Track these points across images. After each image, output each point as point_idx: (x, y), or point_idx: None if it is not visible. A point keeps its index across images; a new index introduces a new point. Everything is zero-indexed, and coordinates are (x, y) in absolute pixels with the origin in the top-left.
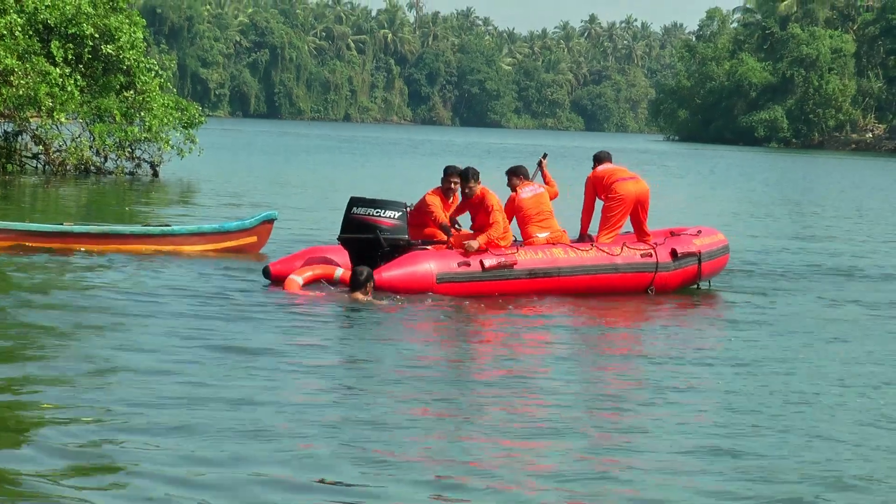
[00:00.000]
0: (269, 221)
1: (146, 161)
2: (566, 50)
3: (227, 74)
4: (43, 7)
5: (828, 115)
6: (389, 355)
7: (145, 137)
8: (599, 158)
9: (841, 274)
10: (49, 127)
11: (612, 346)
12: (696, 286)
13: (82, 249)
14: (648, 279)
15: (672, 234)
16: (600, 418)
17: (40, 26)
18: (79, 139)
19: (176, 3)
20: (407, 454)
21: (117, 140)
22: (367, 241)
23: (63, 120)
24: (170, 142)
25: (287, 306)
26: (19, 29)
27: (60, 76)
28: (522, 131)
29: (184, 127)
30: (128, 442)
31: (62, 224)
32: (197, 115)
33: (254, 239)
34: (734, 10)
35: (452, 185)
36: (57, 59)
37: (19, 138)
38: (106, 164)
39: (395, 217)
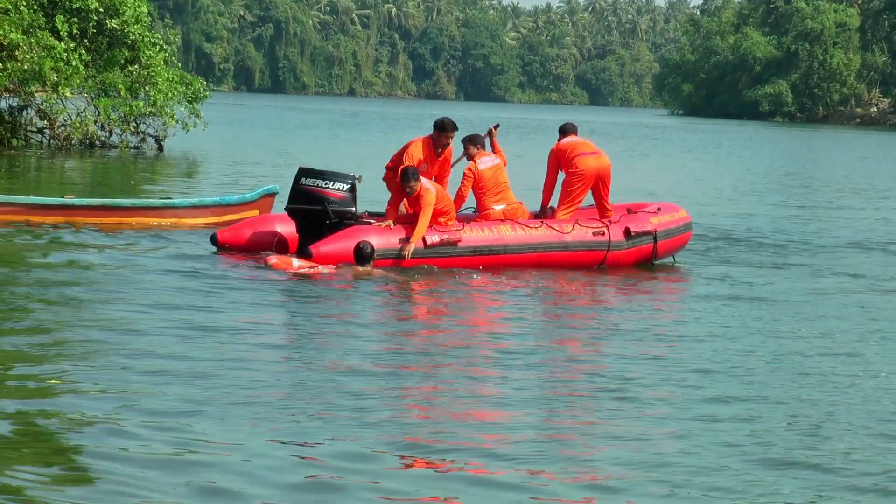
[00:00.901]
0: (271, 195)
1: (151, 136)
2: (570, 24)
3: (231, 49)
4: None
5: (832, 90)
6: (351, 331)
7: (150, 112)
8: (564, 130)
9: (830, 248)
10: (54, 101)
11: (579, 322)
12: (651, 263)
13: (83, 222)
14: (600, 258)
15: (629, 211)
16: (565, 392)
17: (45, 1)
18: (84, 114)
19: None
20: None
21: (122, 114)
22: (314, 212)
23: (68, 94)
24: (174, 116)
25: (264, 280)
26: (24, 3)
27: (65, 51)
28: (527, 106)
29: (188, 101)
30: (127, 419)
31: (63, 197)
32: (201, 89)
33: (255, 212)
34: None
35: (444, 141)
36: (62, 33)
37: (24, 113)
38: (111, 139)
39: (344, 189)
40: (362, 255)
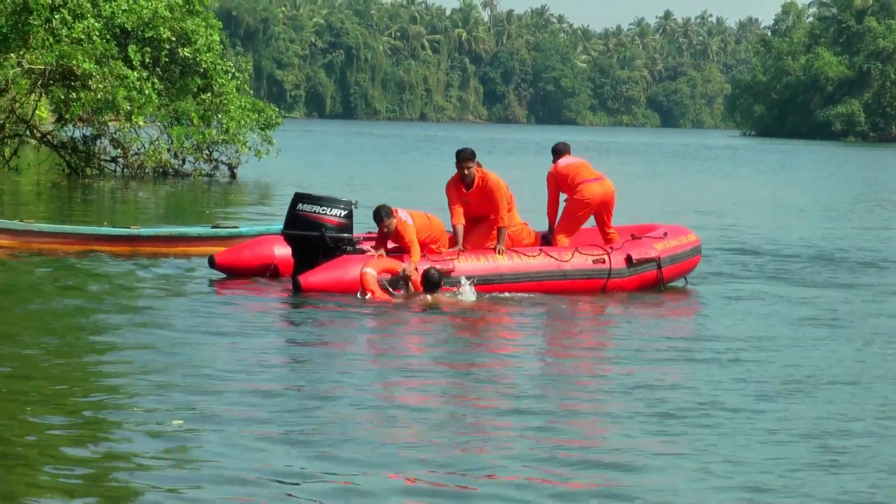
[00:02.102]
0: None
1: (224, 163)
2: (641, 46)
3: (302, 76)
4: (120, 11)
5: None
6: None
7: (223, 139)
8: (559, 151)
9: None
10: (127, 130)
11: (597, 343)
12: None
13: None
14: (600, 286)
15: (633, 236)
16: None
17: (117, 30)
18: (157, 142)
19: (251, 6)
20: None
21: (195, 142)
22: (310, 238)
23: (141, 123)
24: (247, 143)
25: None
26: (97, 33)
27: (138, 80)
28: (598, 128)
29: (261, 128)
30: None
31: (129, 228)
32: (274, 116)
33: None
34: (809, 4)
35: (466, 171)
36: (134, 62)
37: (98, 142)
38: (184, 167)
39: (341, 216)
40: (431, 281)
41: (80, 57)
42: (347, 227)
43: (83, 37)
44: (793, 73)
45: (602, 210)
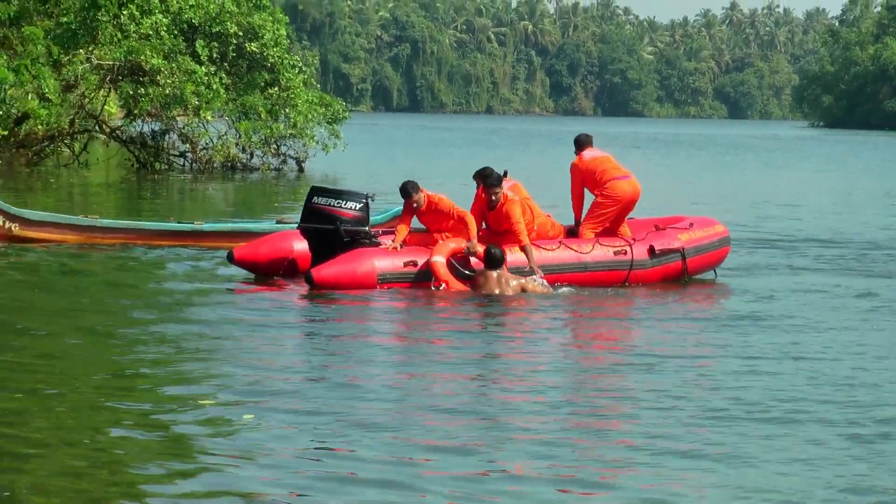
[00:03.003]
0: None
1: (291, 157)
2: (708, 37)
3: (368, 69)
4: (187, 7)
5: None
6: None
7: (290, 134)
8: (581, 143)
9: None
10: (195, 125)
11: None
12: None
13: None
14: (622, 277)
15: (657, 227)
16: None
17: (185, 25)
18: (225, 137)
19: (317, 0)
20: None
21: (263, 137)
22: (325, 231)
23: (209, 118)
24: (314, 137)
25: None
26: (164, 29)
27: (206, 74)
28: (665, 120)
29: (328, 122)
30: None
31: (193, 223)
32: (341, 110)
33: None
34: None
35: (493, 198)
36: (202, 57)
37: (166, 137)
38: (252, 161)
39: (356, 208)
40: (493, 259)
41: (148, 52)
42: (363, 220)
43: (151, 32)
44: (861, 64)
45: (627, 207)
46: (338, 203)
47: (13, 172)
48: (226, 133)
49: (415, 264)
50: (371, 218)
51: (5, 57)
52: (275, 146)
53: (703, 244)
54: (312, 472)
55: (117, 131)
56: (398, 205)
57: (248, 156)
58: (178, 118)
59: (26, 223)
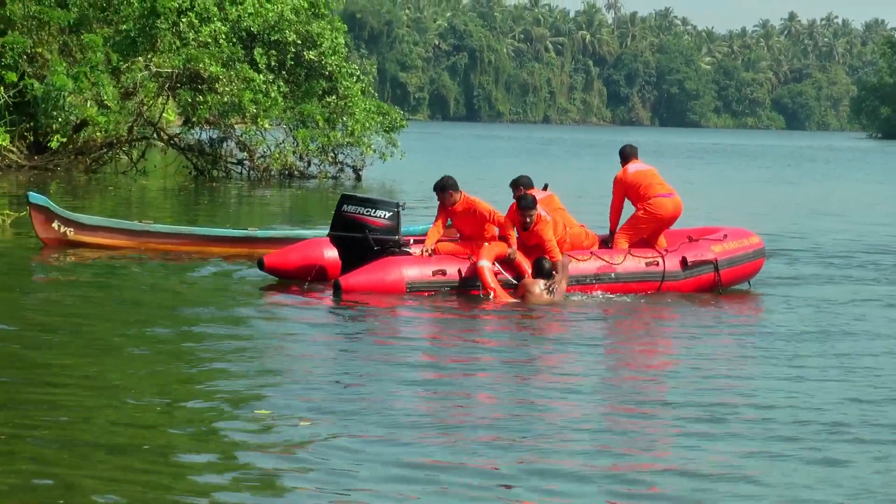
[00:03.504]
0: None
1: (349, 165)
2: (766, 48)
3: (426, 78)
4: (246, 15)
5: None
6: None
7: (348, 142)
8: (626, 155)
9: None
10: (253, 133)
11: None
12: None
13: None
14: (653, 288)
15: (690, 238)
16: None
17: (244, 34)
18: (282, 145)
19: (376, 9)
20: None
21: (320, 145)
22: (355, 239)
23: (267, 126)
24: (372, 146)
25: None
26: (223, 37)
27: (264, 82)
28: (723, 131)
29: (385, 131)
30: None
31: (247, 229)
32: (398, 119)
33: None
34: None
35: (527, 220)
36: (260, 65)
37: (224, 144)
38: (309, 169)
39: (386, 217)
40: (542, 270)
41: (206, 60)
42: (393, 229)
43: (210, 40)
44: None
45: (667, 225)
46: (367, 211)
47: (72, 179)
48: (283, 141)
49: (444, 273)
50: (413, 228)
51: (65, 64)
52: (332, 154)
53: (736, 256)
54: (361, 474)
55: (175, 139)
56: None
57: (306, 164)
58: (235, 126)
59: (80, 228)
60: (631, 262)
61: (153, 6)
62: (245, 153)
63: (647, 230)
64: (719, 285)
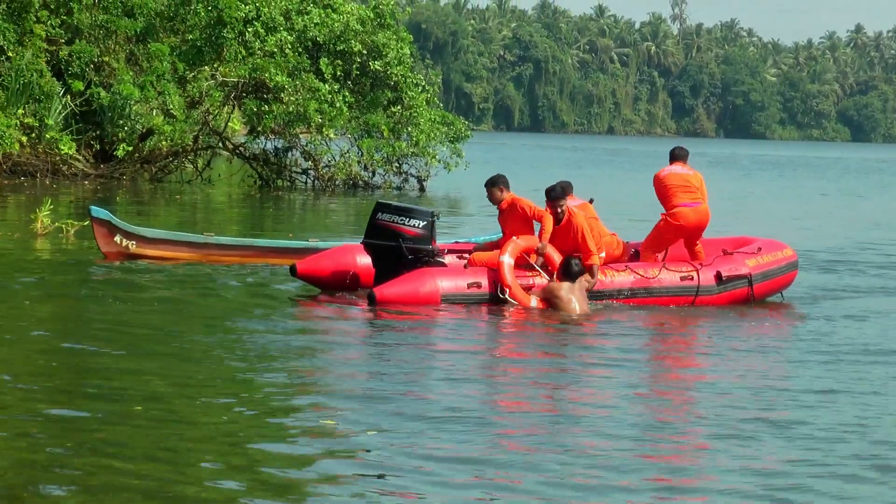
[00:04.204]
0: None
1: (413, 176)
2: (832, 60)
3: (490, 88)
4: (312, 25)
5: None
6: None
7: (412, 152)
8: (672, 156)
9: None
10: (318, 143)
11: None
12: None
13: None
14: (688, 303)
15: (725, 251)
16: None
17: (309, 43)
18: (347, 154)
19: (441, 19)
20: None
21: (385, 155)
22: (389, 248)
23: (332, 135)
24: (436, 156)
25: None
26: (289, 47)
27: (329, 92)
28: (787, 143)
29: (450, 141)
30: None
31: (308, 240)
32: (463, 129)
33: None
34: None
35: (559, 210)
36: (326, 75)
37: (289, 154)
38: (374, 179)
39: (420, 226)
40: (570, 271)
41: (272, 70)
42: (426, 239)
43: (276, 50)
44: None
45: (693, 234)
46: (402, 220)
47: (137, 188)
48: (348, 151)
49: (479, 286)
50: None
51: (131, 73)
52: (397, 164)
53: (770, 269)
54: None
55: (240, 148)
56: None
57: (370, 174)
58: (300, 136)
59: (143, 241)
60: (666, 276)
61: (219, 16)
62: (310, 163)
63: (672, 240)
64: (752, 299)
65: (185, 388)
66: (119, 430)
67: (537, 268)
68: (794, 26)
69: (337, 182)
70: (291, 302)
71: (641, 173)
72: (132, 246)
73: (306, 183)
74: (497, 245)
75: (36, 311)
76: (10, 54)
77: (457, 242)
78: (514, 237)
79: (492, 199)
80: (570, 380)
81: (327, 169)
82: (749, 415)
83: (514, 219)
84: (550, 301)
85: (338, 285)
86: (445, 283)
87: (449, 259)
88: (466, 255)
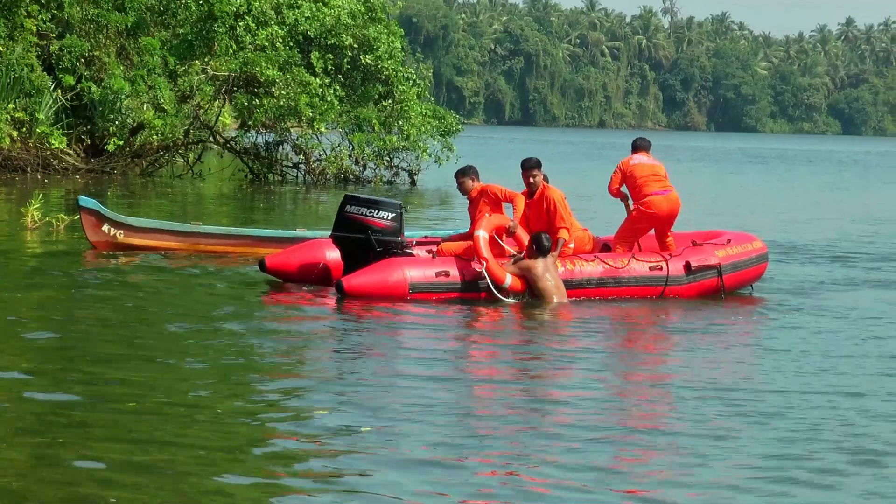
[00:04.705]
0: None
1: (404, 170)
2: (823, 53)
3: (481, 82)
4: (303, 19)
5: None
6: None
7: (403, 146)
8: (635, 146)
9: None
10: (309, 137)
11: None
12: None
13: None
14: (657, 293)
15: (694, 243)
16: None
17: (300, 38)
18: (338, 148)
19: (432, 13)
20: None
21: (376, 149)
22: (357, 240)
23: (323, 130)
24: (427, 150)
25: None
26: (280, 41)
27: (320, 86)
28: (778, 136)
29: (441, 135)
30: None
31: (295, 230)
32: (454, 123)
33: None
34: None
35: (531, 180)
36: (317, 69)
37: (280, 148)
38: (365, 173)
39: (389, 218)
40: (541, 246)
41: (263, 64)
42: (395, 231)
43: (267, 44)
44: None
45: (665, 223)
46: (370, 212)
47: (128, 182)
48: (339, 145)
49: (447, 275)
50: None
51: (122, 67)
52: (388, 158)
53: (739, 261)
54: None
55: (231, 142)
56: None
57: (361, 168)
58: (292, 130)
59: (130, 230)
60: (635, 266)
61: (210, 10)
62: (301, 157)
63: (645, 230)
64: (722, 290)
65: (161, 375)
66: (105, 417)
67: (507, 247)
68: (784, 20)
69: (328, 176)
70: (260, 295)
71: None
72: (120, 235)
73: (297, 177)
74: (465, 237)
75: (22, 302)
76: (0, 49)
77: (426, 237)
78: (487, 214)
79: (462, 189)
80: (540, 373)
81: (318, 163)
82: (722, 409)
83: (485, 203)
84: (526, 277)
85: (307, 280)
86: (413, 273)
87: (417, 252)
88: (434, 248)
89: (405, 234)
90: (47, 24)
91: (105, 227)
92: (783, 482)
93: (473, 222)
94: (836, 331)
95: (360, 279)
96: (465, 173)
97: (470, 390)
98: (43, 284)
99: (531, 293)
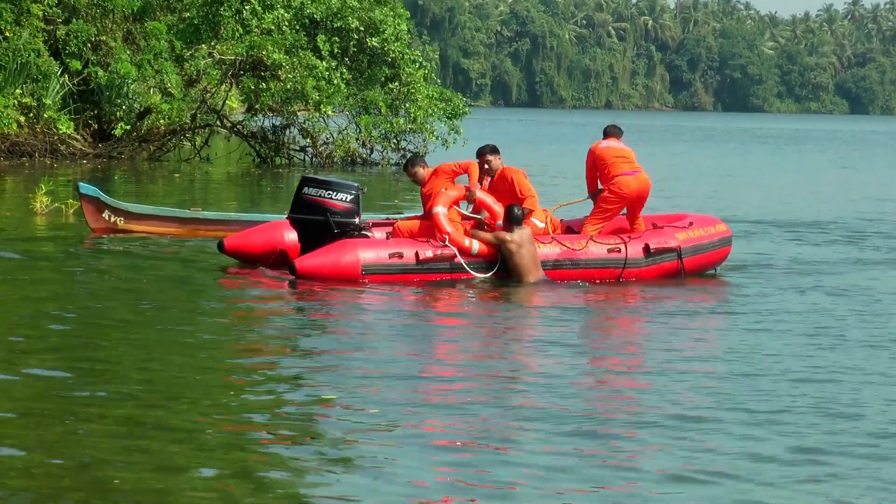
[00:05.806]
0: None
1: (411, 152)
2: (829, 32)
3: (488, 64)
4: (309, 2)
5: None
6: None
7: (410, 128)
8: (605, 133)
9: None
10: (316, 120)
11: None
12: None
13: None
14: (615, 275)
15: (655, 225)
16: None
17: (307, 21)
18: (345, 131)
19: None
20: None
21: (383, 132)
22: (315, 222)
23: (329, 113)
24: (434, 132)
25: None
26: (286, 24)
27: (327, 69)
28: (785, 116)
29: (448, 117)
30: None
31: (286, 214)
32: (461, 105)
33: None
34: None
35: (486, 166)
36: (323, 52)
37: (287, 131)
38: (372, 156)
39: (347, 200)
40: (514, 217)
41: (269, 47)
42: (353, 212)
43: (273, 27)
44: None
45: (636, 203)
46: (329, 194)
47: (135, 167)
48: (346, 128)
49: (400, 256)
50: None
51: (129, 52)
52: (395, 141)
53: (701, 244)
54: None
55: (238, 126)
56: None
57: (368, 151)
58: (298, 113)
59: (130, 216)
60: (593, 248)
61: None
62: (308, 140)
63: (615, 210)
64: (682, 273)
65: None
66: (102, 398)
67: (472, 215)
68: None
69: (335, 159)
70: (215, 277)
71: (644, 148)
72: (120, 222)
73: (304, 160)
74: (423, 218)
75: (25, 286)
76: (7, 34)
77: (387, 218)
78: (443, 189)
79: (416, 179)
80: (496, 363)
81: (325, 146)
82: (694, 398)
83: (439, 184)
84: (500, 249)
85: (266, 261)
86: (366, 254)
87: (375, 233)
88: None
89: (362, 215)
90: (53, 8)
91: (105, 214)
92: (759, 460)
93: (429, 206)
94: (809, 310)
95: (312, 261)
96: (413, 164)
97: (422, 380)
98: (42, 268)
99: (505, 269)
